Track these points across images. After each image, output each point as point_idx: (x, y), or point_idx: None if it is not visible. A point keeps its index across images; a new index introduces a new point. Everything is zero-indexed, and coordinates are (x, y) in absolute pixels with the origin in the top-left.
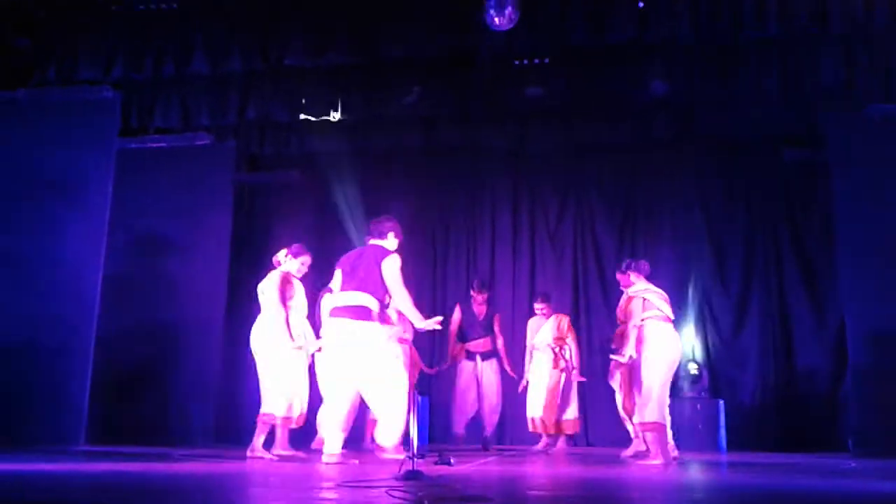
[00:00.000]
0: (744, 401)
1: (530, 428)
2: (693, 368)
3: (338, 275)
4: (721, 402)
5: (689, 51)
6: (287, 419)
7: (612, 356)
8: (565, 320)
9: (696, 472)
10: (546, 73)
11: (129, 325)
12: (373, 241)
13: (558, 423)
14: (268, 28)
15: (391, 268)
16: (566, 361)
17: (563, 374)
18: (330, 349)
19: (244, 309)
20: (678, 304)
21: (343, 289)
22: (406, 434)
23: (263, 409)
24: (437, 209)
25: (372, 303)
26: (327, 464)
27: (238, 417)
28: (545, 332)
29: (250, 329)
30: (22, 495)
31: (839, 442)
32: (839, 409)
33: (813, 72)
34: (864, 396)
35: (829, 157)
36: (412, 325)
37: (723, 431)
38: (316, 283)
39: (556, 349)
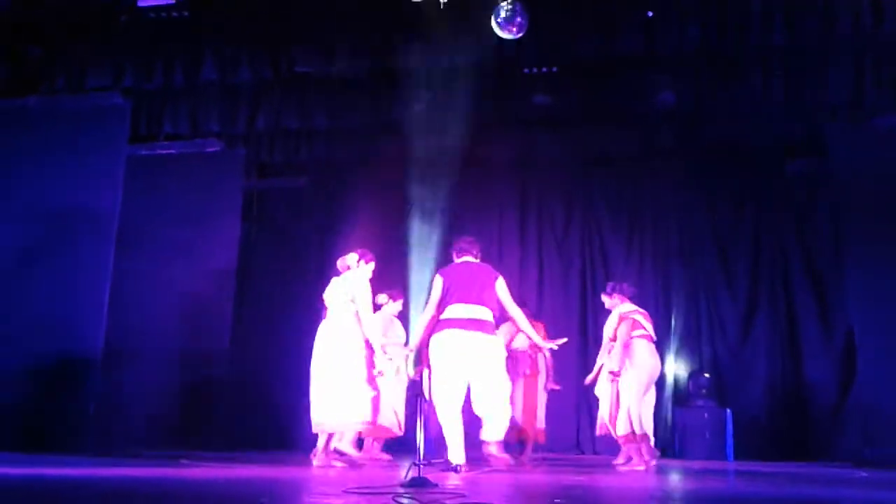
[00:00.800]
0: (751, 410)
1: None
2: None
3: (439, 284)
4: (728, 410)
5: (695, 61)
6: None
7: (610, 372)
8: (540, 328)
9: (697, 481)
10: (554, 83)
11: (138, 330)
12: (469, 259)
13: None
14: (278, 37)
15: (506, 289)
16: (532, 366)
17: (538, 382)
18: (458, 358)
19: (252, 314)
20: (685, 313)
21: (457, 300)
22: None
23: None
24: (444, 217)
25: (492, 318)
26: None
27: (247, 422)
28: (521, 337)
29: (257, 334)
30: (28, 501)
31: (848, 451)
32: (847, 418)
33: (818, 82)
34: (873, 405)
35: (835, 168)
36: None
37: (730, 440)
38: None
39: (532, 355)
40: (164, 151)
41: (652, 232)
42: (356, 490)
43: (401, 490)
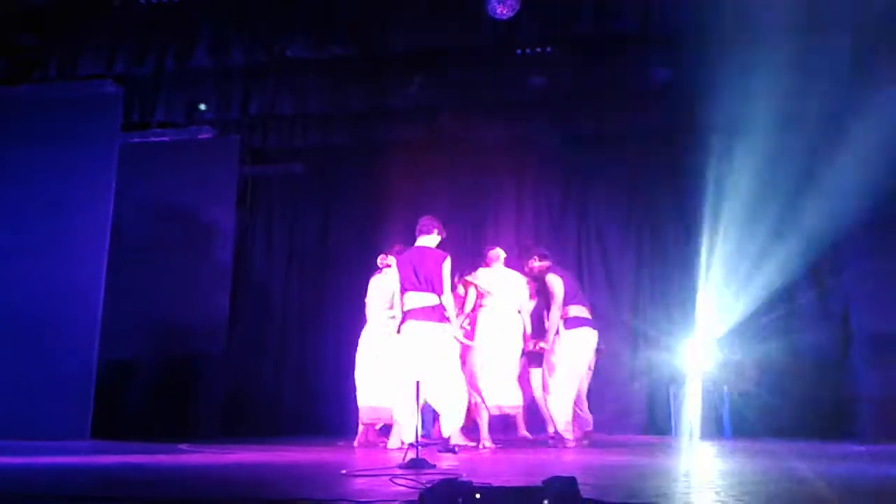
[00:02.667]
0: (748, 387)
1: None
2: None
3: (561, 284)
4: (725, 388)
5: (692, 38)
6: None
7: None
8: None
9: (701, 459)
10: (549, 62)
11: (134, 318)
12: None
13: None
14: (270, 21)
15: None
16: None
17: None
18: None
19: (248, 301)
20: (682, 290)
21: (578, 301)
22: None
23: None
24: (439, 200)
25: None
26: None
27: (245, 409)
28: None
29: (256, 321)
30: (30, 488)
31: (846, 427)
32: (845, 393)
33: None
34: (871, 381)
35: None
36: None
37: (727, 418)
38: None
39: None
40: (157, 139)
41: (648, 211)
42: (355, 473)
43: (399, 471)
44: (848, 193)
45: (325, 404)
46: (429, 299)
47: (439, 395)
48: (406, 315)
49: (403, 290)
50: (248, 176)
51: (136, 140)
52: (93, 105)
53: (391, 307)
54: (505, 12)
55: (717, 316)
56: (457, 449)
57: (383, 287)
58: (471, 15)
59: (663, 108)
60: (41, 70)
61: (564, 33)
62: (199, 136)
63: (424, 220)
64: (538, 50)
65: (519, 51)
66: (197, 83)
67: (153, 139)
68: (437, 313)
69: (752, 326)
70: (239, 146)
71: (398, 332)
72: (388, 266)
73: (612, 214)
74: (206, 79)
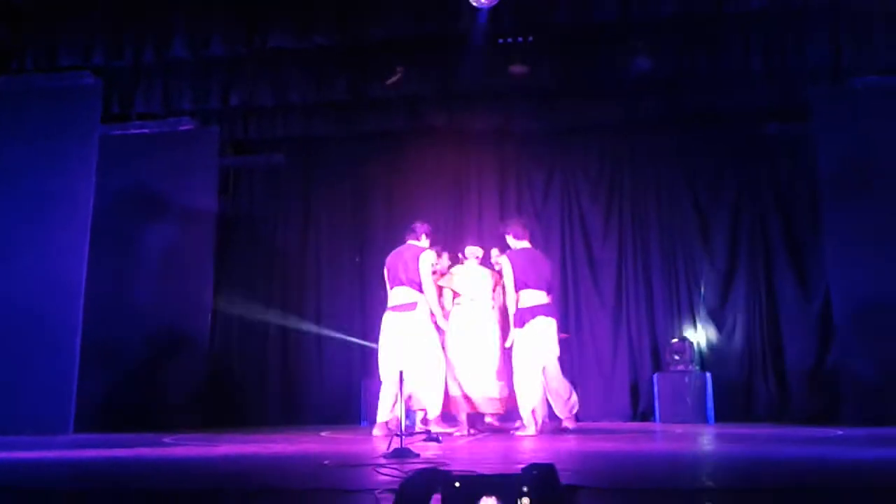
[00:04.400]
0: (731, 373)
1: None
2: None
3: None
4: (708, 375)
5: (673, 27)
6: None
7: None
8: None
9: (680, 444)
10: (531, 52)
11: (116, 311)
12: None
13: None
14: (250, 11)
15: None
16: None
17: None
18: None
19: (231, 293)
20: (664, 279)
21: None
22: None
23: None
24: (423, 190)
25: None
26: None
27: (229, 399)
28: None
29: (239, 312)
30: (13, 483)
31: (826, 412)
32: (825, 379)
33: (797, 45)
34: (850, 366)
35: (815, 130)
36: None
37: (710, 403)
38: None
39: None
40: (137, 131)
41: (631, 199)
42: (339, 463)
43: (383, 461)
44: (826, 173)
45: (309, 394)
46: (546, 297)
47: (554, 383)
48: (535, 310)
49: (523, 286)
50: (229, 166)
51: (117, 132)
52: (72, 97)
53: (494, 297)
54: (486, 1)
55: (700, 301)
56: (440, 438)
57: (485, 279)
58: (452, 4)
59: (646, 96)
60: (19, 62)
61: (546, 23)
62: (180, 128)
63: (523, 223)
64: (520, 39)
65: (501, 40)
66: (177, 74)
67: (133, 131)
68: (554, 311)
69: (734, 310)
70: (219, 137)
71: (521, 325)
72: (477, 257)
73: (594, 201)
74: (185, 69)
